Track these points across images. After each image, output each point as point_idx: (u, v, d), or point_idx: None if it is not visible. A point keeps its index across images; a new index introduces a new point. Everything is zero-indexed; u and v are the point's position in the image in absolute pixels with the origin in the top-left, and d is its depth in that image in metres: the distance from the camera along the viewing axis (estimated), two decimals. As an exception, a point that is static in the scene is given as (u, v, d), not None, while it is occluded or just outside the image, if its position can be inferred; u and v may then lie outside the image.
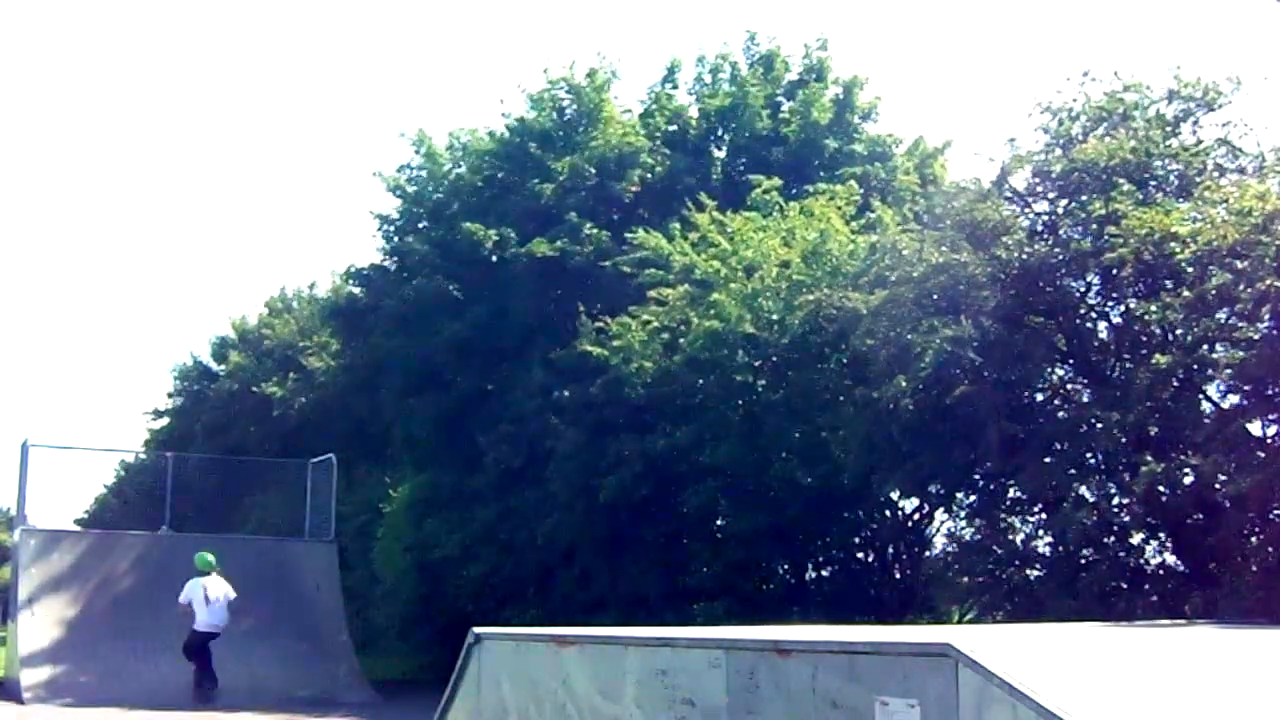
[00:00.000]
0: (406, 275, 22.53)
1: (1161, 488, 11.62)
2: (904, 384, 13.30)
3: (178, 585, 20.01)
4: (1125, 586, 12.31)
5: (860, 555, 18.52)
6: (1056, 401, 13.58)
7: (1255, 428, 11.75)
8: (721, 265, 17.20)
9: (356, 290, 24.85)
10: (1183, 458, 11.52)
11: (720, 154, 22.97)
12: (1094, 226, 12.73)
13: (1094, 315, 13.76)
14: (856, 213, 18.36)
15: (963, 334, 12.80)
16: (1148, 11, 58.36)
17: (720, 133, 22.82)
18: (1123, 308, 13.14)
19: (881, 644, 3.47)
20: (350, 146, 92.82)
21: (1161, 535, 12.51)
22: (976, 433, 12.69)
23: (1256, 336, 11.06)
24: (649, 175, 21.66)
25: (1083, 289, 13.48)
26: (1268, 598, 10.26)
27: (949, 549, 15.72)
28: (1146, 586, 12.26)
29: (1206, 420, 11.77)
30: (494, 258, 21.02)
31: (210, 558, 17.94)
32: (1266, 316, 11.10)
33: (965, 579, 14.62)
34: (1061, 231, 13.51)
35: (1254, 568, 11.09)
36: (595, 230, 20.66)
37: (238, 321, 38.87)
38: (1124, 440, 12.31)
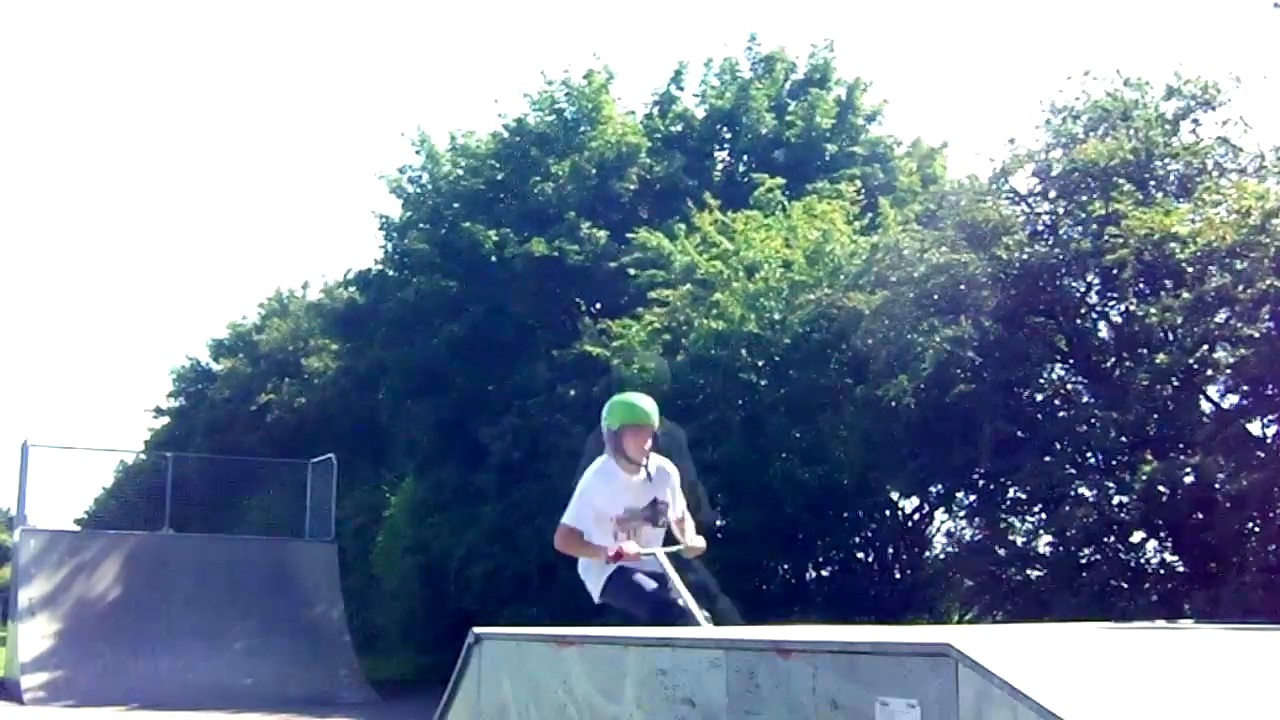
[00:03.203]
0: (407, 275, 22.58)
1: (1161, 487, 11.65)
2: (905, 383, 13.31)
3: (177, 585, 20.02)
4: (1125, 586, 12.34)
5: (860, 555, 18.52)
6: (1056, 401, 13.60)
7: (1255, 428, 11.77)
8: (724, 266, 17.21)
9: (356, 294, 24.89)
10: (1182, 457, 11.54)
11: (723, 155, 23.01)
12: (1094, 226, 12.75)
13: (1094, 315, 13.78)
14: (860, 213, 18.40)
15: (963, 334, 12.82)
16: (1148, 11, 58.37)
17: (724, 133, 22.86)
18: (1123, 308, 13.15)
19: (881, 644, 3.47)
20: (351, 147, 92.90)
21: (1162, 534, 12.53)
22: (976, 432, 12.70)
23: (1256, 336, 11.08)
24: (648, 175, 21.68)
25: (1083, 289, 13.50)
26: (1268, 597, 10.28)
27: (949, 549, 15.74)
28: (1146, 586, 12.28)
29: (1206, 420, 11.79)
30: (493, 258, 21.05)
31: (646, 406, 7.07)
32: (1266, 316, 11.12)
33: (965, 579, 14.64)
34: (1062, 231, 13.53)
35: (1254, 567, 11.11)
36: (594, 230, 20.70)
37: (234, 324, 38.82)
38: (1124, 440, 12.34)
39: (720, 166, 22.69)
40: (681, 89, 23.29)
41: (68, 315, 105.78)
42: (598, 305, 20.08)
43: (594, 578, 6.34)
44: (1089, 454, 12.94)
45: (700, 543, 6.49)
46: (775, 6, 59.80)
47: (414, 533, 24.18)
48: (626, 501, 6.24)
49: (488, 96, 72.97)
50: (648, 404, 6.44)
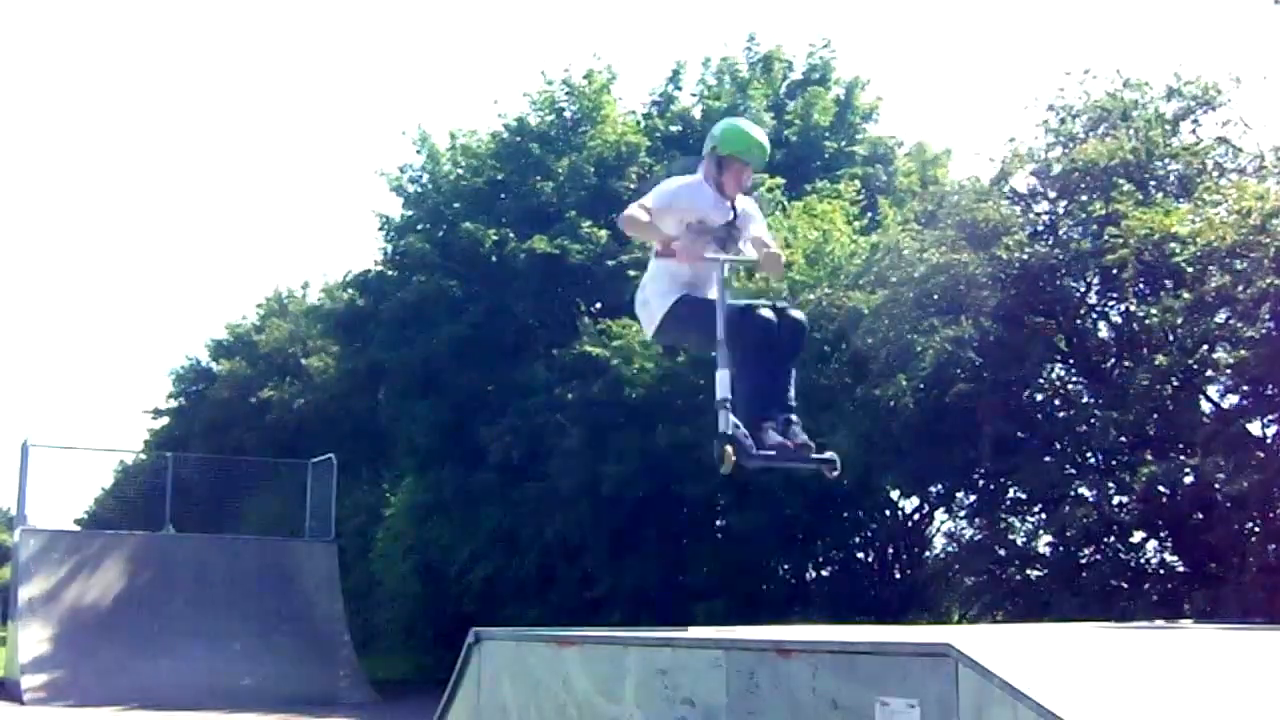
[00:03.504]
0: (407, 275, 22.59)
1: (1161, 487, 11.65)
2: (904, 383, 13.32)
3: (177, 585, 20.01)
4: (1125, 585, 12.34)
5: (860, 555, 18.52)
6: (1056, 401, 13.60)
7: (1255, 428, 11.77)
8: (723, 265, 17.20)
9: (356, 295, 24.89)
10: (1182, 457, 11.54)
11: (721, 155, 23.01)
12: (1094, 227, 12.75)
13: (1094, 315, 13.78)
14: (860, 213, 18.40)
15: (963, 334, 12.82)
16: (1148, 11, 58.36)
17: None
18: (1123, 308, 13.16)
19: (881, 644, 3.47)
20: (351, 147, 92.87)
21: (1162, 534, 12.53)
22: (976, 432, 12.71)
23: (1256, 336, 11.08)
24: (648, 174, 21.69)
25: (1083, 289, 13.50)
26: (1268, 597, 10.28)
27: (949, 549, 15.74)
28: (1146, 585, 12.28)
29: (1206, 420, 11.79)
30: (493, 257, 21.07)
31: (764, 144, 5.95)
32: (1266, 316, 11.11)
33: (965, 579, 14.63)
34: (1061, 232, 13.53)
35: (1254, 567, 11.11)
36: (594, 229, 20.72)
37: (232, 325, 38.78)
38: (1123, 440, 12.34)
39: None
40: (680, 89, 23.33)
41: (68, 315, 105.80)
42: (598, 305, 20.10)
43: (655, 303, 5.75)
44: (1089, 454, 12.94)
45: (777, 250, 5.90)
46: (774, 6, 59.82)
47: (414, 534, 24.17)
48: (705, 213, 5.61)
49: (488, 96, 72.98)
50: (765, 142, 5.83)
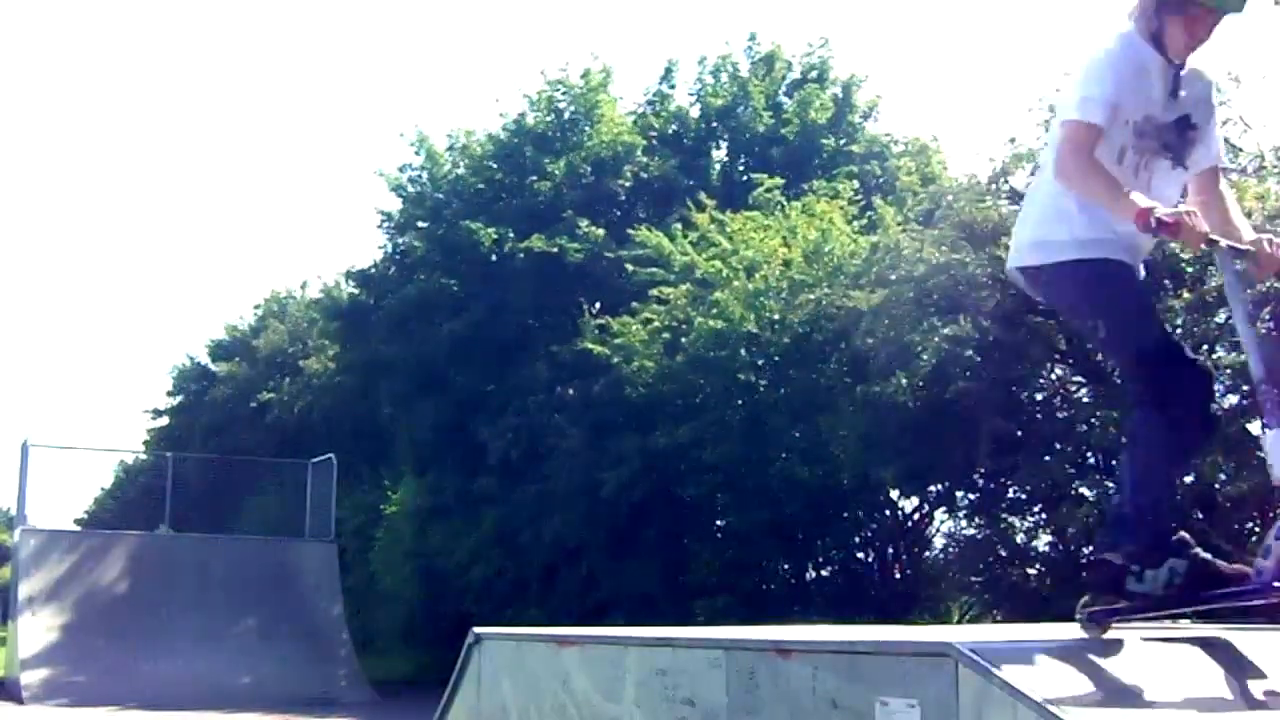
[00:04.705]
0: (406, 274, 22.64)
1: (1161, 487, 11.64)
2: (904, 382, 13.33)
3: (177, 585, 20.04)
4: (1125, 586, 12.34)
5: (860, 555, 18.54)
6: (1056, 400, 13.61)
7: (1255, 428, 11.77)
8: (723, 265, 17.23)
9: (356, 291, 24.94)
10: (1182, 457, 11.53)
11: (719, 154, 23.04)
12: (1094, 226, 12.74)
13: (1094, 315, 13.78)
14: (858, 213, 18.42)
15: (962, 333, 12.82)
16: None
17: (720, 132, 22.88)
18: (1123, 307, 13.14)
19: (881, 644, 3.47)
20: (350, 147, 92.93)
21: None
22: (976, 431, 12.71)
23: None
24: (644, 174, 21.73)
25: (1083, 289, 13.49)
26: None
27: (949, 549, 15.75)
28: (1146, 586, 12.28)
29: (1206, 420, 11.78)
30: (493, 256, 21.12)
31: None
32: (1266, 317, 11.11)
33: (965, 578, 14.63)
34: (1062, 231, 13.51)
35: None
36: (591, 227, 20.76)
37: (231, 326, 38.83)
38: (1123, 439, 12.34)
39: (717, 166, 22.73)
40: (673, 87, 23.37)
41: (68, 315, 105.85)
42: (598, 304, 20.16)
43: (1063, 237, 3.72)
44: (1089, 454, 12.94)
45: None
46: (772, 5, 59.84)
47: (414, 534, 24.18)
48: (1148, 106, 3.57)
49: (488, 96, 73.05)
50: None
